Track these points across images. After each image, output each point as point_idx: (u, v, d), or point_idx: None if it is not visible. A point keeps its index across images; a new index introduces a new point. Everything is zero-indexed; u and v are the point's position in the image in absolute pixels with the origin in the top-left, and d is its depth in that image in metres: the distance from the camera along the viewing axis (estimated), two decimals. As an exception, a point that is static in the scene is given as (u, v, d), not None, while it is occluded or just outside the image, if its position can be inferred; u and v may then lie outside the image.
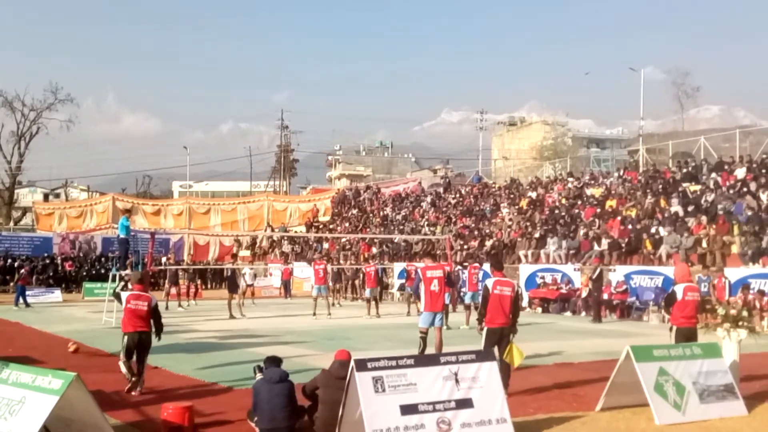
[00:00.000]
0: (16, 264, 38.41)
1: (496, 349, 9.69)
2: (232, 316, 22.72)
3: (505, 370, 9.43)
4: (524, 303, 27.71)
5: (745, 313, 9.84)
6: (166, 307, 25.90)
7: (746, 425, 8.39)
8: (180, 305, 26.77)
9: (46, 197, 77.95)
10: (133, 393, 10.11)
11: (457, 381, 7.36)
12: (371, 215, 46.19)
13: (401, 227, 40.55)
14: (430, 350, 11.65)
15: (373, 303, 24.06)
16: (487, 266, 29.15)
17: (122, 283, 18.76)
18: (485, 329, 10.03)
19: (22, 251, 43.05)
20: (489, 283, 10.13)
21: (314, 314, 23.26)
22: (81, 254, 45.07)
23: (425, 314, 12.05)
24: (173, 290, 27.22)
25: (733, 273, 21.69)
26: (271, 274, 40.64)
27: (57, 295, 33.32)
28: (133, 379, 10.24)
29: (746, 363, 10.35)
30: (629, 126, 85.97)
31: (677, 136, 48.92)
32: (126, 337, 10.34)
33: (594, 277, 23.23)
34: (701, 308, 10.49)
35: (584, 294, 25.18)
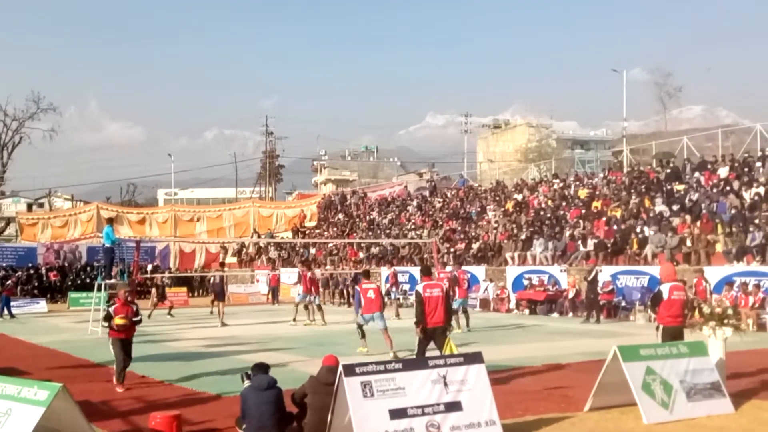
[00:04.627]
0: (0, 275, 38.07)
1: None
2: (223, 324, 22.54)
3: None
4: (512, 305, 27.87)
5: (730, 311, 9.90)
6: (148, 316, 25.40)
7: (733, 422, 8.43)
8: (170, 314, 26.66)
9: (29, 207, 77.24)
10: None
11: (445, 384, 7.36)
12: (358, 220, 46.18)
13: (388, 231, 40.57)
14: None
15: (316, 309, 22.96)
16: (473, 269, 29.45)
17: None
18: (419, 329, 10.91)
19: (6, 262, 42.70)
20: (419, 288, 11.11)
21: (309, 321, 23.00)
22: (66, 264, 44.76)
23: (365, 316, 15.16)
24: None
25: (718, 271, 21.86)
26: (257, 281, 40.53)
27: (42, 305, 33.06)
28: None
29: (732, 361, 10.42)
30: (613, 127, 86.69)
31: (660, 137, 49.30)
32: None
33: (590, 278, 23.07)
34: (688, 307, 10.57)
35: (571, 295, 25.25)
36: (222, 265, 30.98)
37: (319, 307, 23.06)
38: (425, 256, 33.76)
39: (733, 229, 23.45)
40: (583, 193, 33.28)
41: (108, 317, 11.31)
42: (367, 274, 16.92)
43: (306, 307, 23.21)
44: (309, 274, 23.35)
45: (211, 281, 24.51)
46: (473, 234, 34.47)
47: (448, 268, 23.59)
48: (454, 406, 7.28)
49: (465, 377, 7.51)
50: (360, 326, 15.48)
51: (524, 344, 16.78)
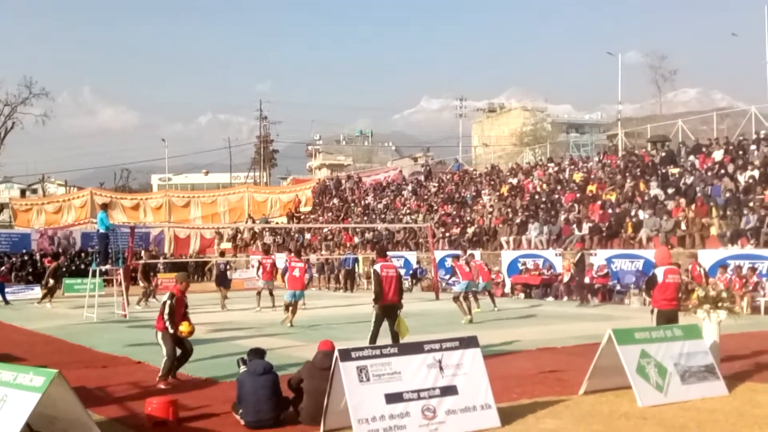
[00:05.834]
0: (-6, 261, 37.96)
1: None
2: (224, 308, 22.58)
3: (396, 340, 11.23)
4: (507, 289, 27.93)
5: (724, 295, 9.94)
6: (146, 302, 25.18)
7: (727, 405, 8.48)
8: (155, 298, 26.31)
9: (23, 193, 77.03)
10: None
11: (441, 368, 7.37)
12: (352, 205, 46.15)
13: (383, 216, 40.56)
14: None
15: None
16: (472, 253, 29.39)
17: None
18: (377, 306, 11.76)
19: (0, 248, 42.58)
20: (377, 267, 11.90)
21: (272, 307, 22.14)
22: (60, 250, 44.63)
23: (289, 292, 17.69)
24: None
25: (712, 254, 21.92)
26: (252, 266, 40.49)
27: (37, 291, 32.93)
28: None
29: (726, 344, 10.47)
30: (608, 111, 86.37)
31: (655, 120, 49.22)
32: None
33: (576, 261, 23.33)
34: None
35: (566, 279, 25.33)
36: (222, 254, 30.97)
37: (271, 293, 22.45)
38: (420, 240, 33.78)
39: (728, 213, 23.49)
40: (578, 176, 33.28)
41: (173, 313, 10.18)
42: (297, 251, 19.26)
43: (259, 293, 22.70)
44: (270, 260, 22.89)
45: (214, 270, 24.24)
46: (468, 218, 34.48)
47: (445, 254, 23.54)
48: (449, 390, 7.30)
49: (460, 361, 7.52)
50: (288, 305, 17.60)
51: (519, 328, 16.83)
